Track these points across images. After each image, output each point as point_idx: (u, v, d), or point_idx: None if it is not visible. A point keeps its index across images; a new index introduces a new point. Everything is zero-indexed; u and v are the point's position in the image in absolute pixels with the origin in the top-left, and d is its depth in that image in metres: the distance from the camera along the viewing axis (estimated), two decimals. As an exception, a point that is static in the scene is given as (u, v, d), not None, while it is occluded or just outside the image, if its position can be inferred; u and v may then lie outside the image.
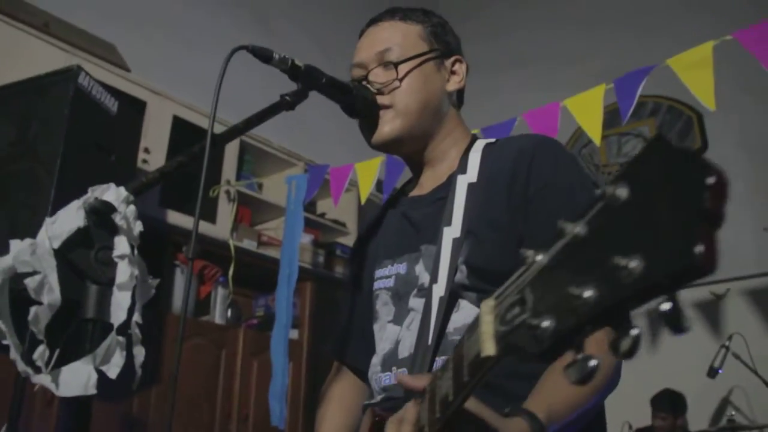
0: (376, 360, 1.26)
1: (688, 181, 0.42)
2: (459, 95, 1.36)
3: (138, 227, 0.84)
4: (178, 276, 3.57)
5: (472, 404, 0.76)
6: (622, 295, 0.44)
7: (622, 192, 0.46)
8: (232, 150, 3.81)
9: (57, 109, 2.25)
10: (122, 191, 0.84)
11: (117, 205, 0.82)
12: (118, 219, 0.82)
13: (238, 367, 3.62)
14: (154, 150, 3.38)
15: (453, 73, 1.33)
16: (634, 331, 0.46)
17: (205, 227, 3.56)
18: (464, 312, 1.12)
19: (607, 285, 0.45)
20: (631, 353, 0.46)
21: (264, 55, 1.09)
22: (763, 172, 4.49)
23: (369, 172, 3.22)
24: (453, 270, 1.13)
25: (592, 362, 0.49)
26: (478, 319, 0.63)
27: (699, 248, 0.40)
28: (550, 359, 0.52)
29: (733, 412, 3.83)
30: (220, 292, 3.78)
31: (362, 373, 1.35)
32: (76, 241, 0.80)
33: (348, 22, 5.35)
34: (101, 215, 0.82)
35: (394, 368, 1.19)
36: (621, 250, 0.44)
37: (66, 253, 0.79)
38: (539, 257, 0.54)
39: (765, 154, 4.52)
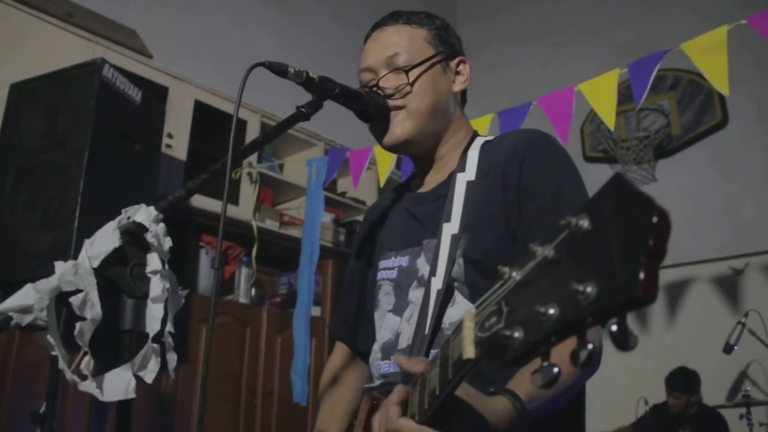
0: (376, 347, 1.33)
1: (637, 219, 0.48)
2: (462, 94, 1.41)
3: (168, 243, 0.92)
4: (202, 257, 3.68)
5: (459, 390, 0.83)
6: (580, 315, 0.52)
7: (584, 223, 0.53)
8: (253, 133, 3.88)
9: (83, 101, 2.32)
10: (152, 211, 0.91)
11: (148, 224, 0.90)
12: (149, 237, 0.89)
13: (263, 345, 3.73)
14: (177, 135, 3.45)
15: (458, 73, 1.37)
16: (590, 346, 0.53)
17: (228, 209, 3.64)
18: (459, 307, 1.18)
19: (568, 305, 0.53)
20: (587, 364, 0.53)
21: (280, 71, 1.14)
22: (784, 146, 4.47)
23: (388, 154, 3.27)
24: (451, 264, 1.19)
25: (555, 369, 0.57)
26: (461, 324, 0.70)
27: (641, 282, 0.47)
28: (520, 365, 0.60)
29: (749, 388, 3.87)
30: (244, 271, 3.88)
31: (368, 354, 1.42)
32: (113, 260, 0.87)
33: None
34: (134, 235, 0.89)
35: (392, 357, 1.26)
36: (579, 277, 0.52)
37: (104, 271, 0.86)
38: (514, 274, 0.61)
39: (786, 128, 4.49)
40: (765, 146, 4.53)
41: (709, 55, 2.27)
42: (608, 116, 2.48)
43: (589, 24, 5.33)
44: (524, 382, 0.96)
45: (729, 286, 4.40)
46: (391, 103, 1.28)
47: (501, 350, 0.61)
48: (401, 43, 1.30)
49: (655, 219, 0.47)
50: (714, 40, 2.27)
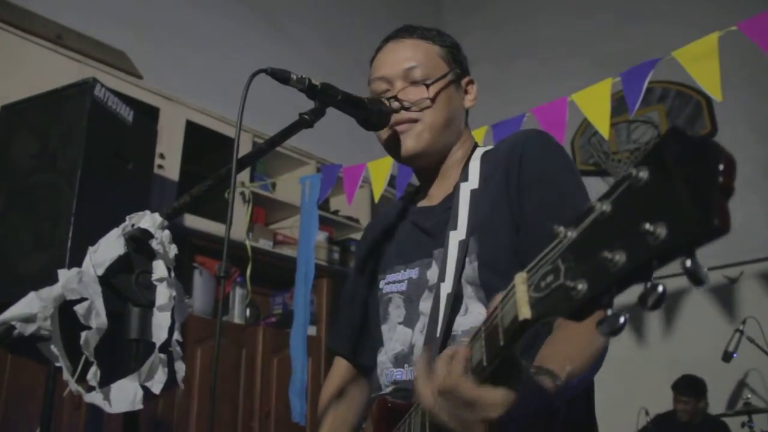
0: (384, 357, 1.32)
1: (705, 161, 0.50)
2: (466, 111, 1.45)
3: (173, 250, 0.90)
4: (196, 277, 3.64)
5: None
6: (650, 255, 0.52)
7: (644, 174, 0.54)
8: (244, 152, 3.85)
9: (75, 121, 2.30)
10: (157, 217, 0.89)
11: (153, 231, 0.88)
12: (155, 244, 0.87)
13: (259, 365, 3.69)
14: (168, 155, 3.43)
15: (466, 92, 1.41)
16: (660, 287, 0.54)
17: (220, 229, 3.62)
18: (472, 316, 1.18)
19: (637, 248, 0.53)
20: (656, 305, 0.54)
21: (282, 77, 1.13)
22: (773, 155, 4.50)
23: (382, 170, 3.26)
24: (460, 268, 1.20)
25: (622, 318, 0.57)
26: (513, 288, 0.70)
27: (716, 213, 0.49)
28: (581, 318, 0.60)
29: (750, 395, 3.86)
30: (239, 292, 3.85)
31: (368, 369, 1.42)
32: (118, 268, 0.85)
33: (356, 21, 5.39)
34: (139, 242, 0.87)
35: (406, 365, 1.26)
36: (647, 219, 0.52)
37: (109, 279, 0.84)
38: (570, 233, 0.61)
39: (775, 137, 4.52)
40: (755, 154, 4.56)
41: (700, 62, 2.28)
42: (602, 125, 2.49)
43: (578, 37, 5.37)
44: (562, 364, 0.95)
45: (725, 295, 4.40)
46: (407, 115, 1.30)
47: (560, 304, 0.61)
48: (418, 56, 1.33)
49: (723, 159, 0.49)
50: (705, 47, 2.29)
